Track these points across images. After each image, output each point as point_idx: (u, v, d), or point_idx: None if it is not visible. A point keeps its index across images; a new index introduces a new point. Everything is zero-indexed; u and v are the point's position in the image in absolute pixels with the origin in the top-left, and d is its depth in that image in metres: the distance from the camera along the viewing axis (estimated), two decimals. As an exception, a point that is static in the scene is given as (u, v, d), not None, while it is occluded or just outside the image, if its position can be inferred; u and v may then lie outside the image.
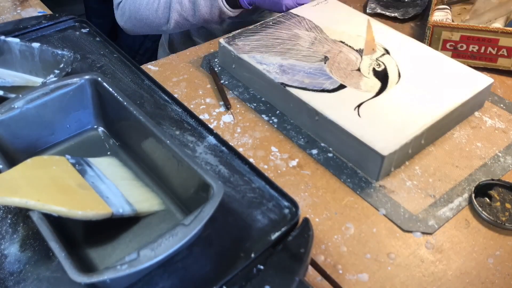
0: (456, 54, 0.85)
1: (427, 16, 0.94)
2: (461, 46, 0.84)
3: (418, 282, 0.54)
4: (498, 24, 0.87)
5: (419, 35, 0.94)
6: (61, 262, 0.43)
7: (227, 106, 0.74)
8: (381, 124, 0.66)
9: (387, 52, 0.80)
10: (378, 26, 0.85)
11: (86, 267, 0.50)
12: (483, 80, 0.74)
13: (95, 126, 0.65)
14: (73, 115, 0.63)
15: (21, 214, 0.54)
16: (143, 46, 1.67)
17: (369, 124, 0.66)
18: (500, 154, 0.69)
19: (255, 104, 0.76)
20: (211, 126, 0.69)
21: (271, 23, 0.86)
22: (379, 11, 1.00)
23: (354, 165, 0.67)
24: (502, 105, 0.78)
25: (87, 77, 0.62)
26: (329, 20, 0.86)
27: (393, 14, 0.99)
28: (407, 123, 0.66)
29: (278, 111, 0.75)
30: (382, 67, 0.76)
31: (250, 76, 0.78)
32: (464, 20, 0.92)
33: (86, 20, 0.86)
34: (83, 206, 0.49)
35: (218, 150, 0.62)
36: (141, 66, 0.78)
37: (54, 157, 0.55)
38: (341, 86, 0.72)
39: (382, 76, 0.75)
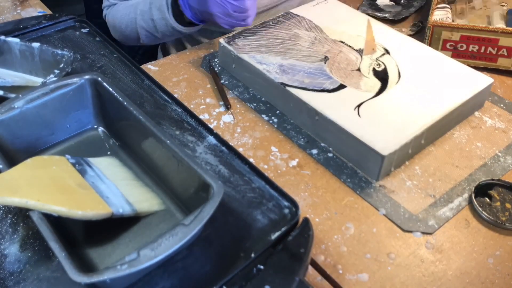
0: (456, 54, 0.85)
1: (422, 17, 0.95)
2: (461, 46, 0.84)
3: (418, 282, 0.54)
4: (499, 24, 0.87)
5: (419, 35, 0.94)
6: (61, 262, 0.43)
7: (227, 106, 0.74)
8: (381, 124, 0.66)
9: (387, 52, 0.80)
10: (378, 26, 0.85)
11: (86, 267, 0.50)
12: (483, 80, 0.74)
13: (95, 126, 0.65)
14: (73, 115, 0.63)
15: (21, 214, 0.54)
16: (143, 46, 1.67)
17: (369, 124, 0.66)
18: (500, 154, 0.69)
19: (255, 104, 0.76)
20: (211, 126, 0.69)
21: (271, 23, 0.86)
22: (370, 12, 1.00)
23: (354, 165, 0.67)
24: (502, 105, 0.78)
25: (87, 77, 0.62)
26: (329, 20, 0.86)
27: (383, 15, 0.98)
28: (407, 123, 0.66)
29: (278, 111, 0.75)
30: (382, 67, 0.76)
31: (250, 76, 0.78)
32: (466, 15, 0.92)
33: (86, 20, 0.86)
34: (83, 206, 0.49)
35: (218, 150, 0.62)
36: (141, 66, 0.78)
37: (54, 157, 0.55)
38: (341, 86, 0.72)
39: (382, 76, 0.75)
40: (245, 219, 0.54)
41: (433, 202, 0.62)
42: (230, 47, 0.79)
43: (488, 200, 0.63)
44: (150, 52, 1.69)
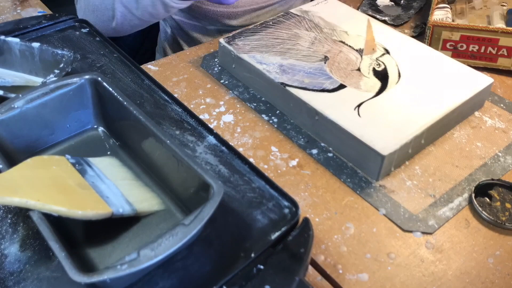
0: (456, 54, 0.85)
1: (423, 17, 0.95)
2: (461, 46, 0.84)
3: (418, 282, 0.54)
4: (499, 24, 0.87)
5: (418, 35, 0.94)
6: (61, 262, 0.43)
7: None
8: (381, 124, 0.66)
9: (387, 52, 0.80)
10: (378, 26, 0.85)
11: (86, 267, 0.50)
12: (483, 80, 0.74)
13: (95, 126, 0.65)
14: (73, 115, 0.63)
15: (21, 214, 0.54)
16: (143, 46, 1.67)
17: (369, 124, 0.66)
18: (500, 154, 0.69)
19: (255, 104, 0.76)
20: (211, 126, 0.69)
21: (271, 23, 0.86)
22: (370, 13, 0.99)
23: (354, 165, 0.67)
24: (502, 105, 0.78)
25: (87, 77, 0.62)
26: (329, 20, 0.86)
27: (383, 18, 0.98)
28: (407, 123, 0.66)
29: (278, 111, 0.75)
30: (382, 67, 0.76)
31: (250, 76, 0.78)
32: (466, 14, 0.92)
33: (86, 20, 0.86)
34: (83, 206, 0.49)
35: (218, 150, 0.62)
36: (141, 66, 0.77)
37: (54, 157, 0.55)
38: (341, 86, 0.72)
39: (382, 76, 0.75)
40: (245, 219, 0.54)
41: (433, 202, 0.62)
42: (230, 47, 0.79)
43: (488, 200, 0.63)
44: (150, 52, 1.69)
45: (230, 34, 0.83)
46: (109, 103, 0.63)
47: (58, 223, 0.48)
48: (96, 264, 0.50)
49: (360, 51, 0.80)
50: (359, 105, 0.69)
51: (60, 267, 0.46)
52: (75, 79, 0.62)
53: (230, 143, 0.62)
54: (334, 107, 0.68)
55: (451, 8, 0.93)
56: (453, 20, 0.90)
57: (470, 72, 0.76)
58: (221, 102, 0.76)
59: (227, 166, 0.60)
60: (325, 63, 0.77)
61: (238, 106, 0.76)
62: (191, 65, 0.84)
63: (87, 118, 0.64)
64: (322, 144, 0.70)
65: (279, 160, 0.67)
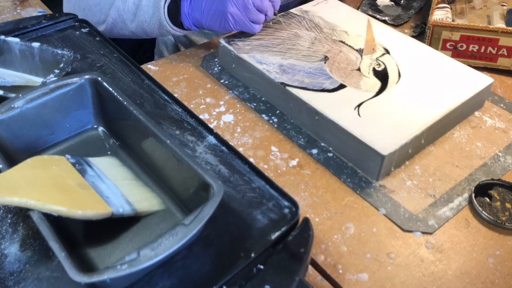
0: (456, 53, 0.85)
1: (423, 17, 0.95)
2: (461, 46, 0.84)
3: (418, 282, 0.54)
4: (499, 24, 0.87)
5: (418, 35, 0.94)
6: (61, 262, 0.43)
7: None
8: (381, 124, 0.66)
9: (387, 51, 0.80)
10: (378, 26, 0.85)
11: (86, 266, 0.50)
12: (483, 80, 0.74)
13: (95, 126, 0.65)
14: (73, 115, 0.63)
15: (21, 214, 0.54)
16: (143, 46, 1.67)
17: (369, 123, 0.66)
18: (500, 154, 0.69)
19: (255, 104, 0.76)
20: (211, 126, 0.69)
21: (271, 23, 0.86)
22: (370, 13, 0.99)
23: (354, 164, 0.67)
24: (502, 105, 0.78)
25: (87, 76, 0.62)
26: (329, 19, 0.86)
27: (383, 18, 0.98)
28: (407, 123, 0.66)
29: (278, 111, 0.75)
30: (382, 66, 0.76)
31: (250, 76, 0.78)
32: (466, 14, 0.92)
33: (86, 20, 0.86)
34: (83, 206, 0.49)
35: (218, 149, 0.62)
36: (141, 66, 0.77)
37: (54, 157, 0.55)
38: (341, 86, 0.72)
39: (382, 76, 0.75)
40: (245, 219, 0.54)
41: (433, 202, 0.62)
42: (230, 47, 0.79)
43: (488, 200, 0.63)
44: (150, 52, 1.69)
45: (230, 34, 0.83)
46: (109, 103, 0.63)
47: (58, 223, 0.48)
48: (96, 264, 0.50)
49: (360, 51, 0.80)
50: (359, 105, 0.69)
51: (60, 267, 0.46)
52: (75, 79, 0.62)
53: (230, 143, 0.62)
54: (334, 107, 0.68)
55: (451, 8, 0.93)
56: (453, 20, 0.90)
57: (470, 72, 0.76)
58: (221, 102, 0.76)
59: (227, 166, 0.60)
60: (325, 63, 0.77)
61: (238, 106, 0.76)
62: (191, 65, 0.84)
63: (87, 118, 0.64)
64: (322, 144, 0.70)
65: (279, 160, 0.67)
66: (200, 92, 0.78)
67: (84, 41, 0.81)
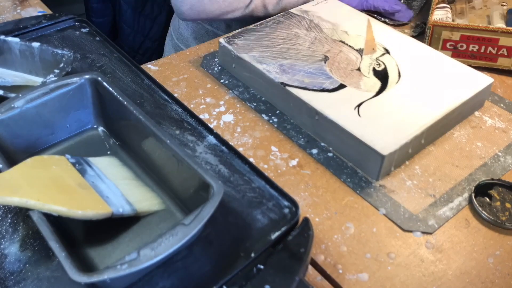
0: (456, 53, 0.85)
1: (423, 17, 0.94)
2: (461, 46, 0.84)
3: (418, 282, 0.54)
4: (499, 24, 0.87)
5: (418, 35, 0.94)
6: (61, 262, 0.43)
7: None
8: (381, 124, 0.66)
9: (387, 51, 0.80)
10: (378, 26, 0.85)
11: (86, 266, 0.50)
12: (483, 80, 0.74)
13: (95, 126, 0.65)
14: (73, 115, 0.63)
15: (21, 214, 0.54)
16: (143, 45, 1.67)
17: (369, 123, 0.66)
18: (500, 154, 0.69)
19: (255, 104, 0.76)
20: (211, 126, 0.69)
21: (271, 22, 0.86)
22: (370, 13, 0.99)
23: (354, 164, 0.67)
24: (502, 105, 0.78)
25: (87, 76, 0.62)
26: (329, 19, 0.86)
27: (383, 19, 0.98)
28: (407, 122, 0.66)
29: (278, 111, 0.75)
30: (382, 66, 0.76)
31: (250, 76, 0.78)
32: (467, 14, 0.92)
33: (86, 20, 0.86)
34: (83, 206, 0.49)
35: (218, 149, 0.62)
36: (141, 66, 0.77)
37: (54, 157, 0.55)
38: (341, 86, 0.72)
39: (382, 76, 0.75)
40: (245, 219, 0.54)
41: (433, 201, 0.62)
42: (230, 47, 0.79)
43: (488, 199, 0.63)
44: (150, 52, 1.69)
45: (230, 34, 0.83)
46: (109, 103, 0.63)
47: (58, 223, 0.48)
48: (96, 264, 0.50)
49: (360, 51, 0.80)
50: (359, 105, 0.69)
51: (60, 267, 0.46)
52: (75, 79, 0.62)
53: (230, 143, 0.62)
54: (334, 107, 0.68)
55: (451, 8, 0.93)
56: (453, 20, 0.90)
57: (470, 72, 0.76)
58: (221, 102, 0.76)
59: (227, 166, 0.60)
60: (325, 63, 0.77)
61: (238, 106, 0.76)
62: (191, 65, 0.84)
63: (87, 118, 0.64)
64: (322, 144, 0.70)
65: (279, 160, 0.67)
66: (200, 92, 0.78)
67: (84, 41, 0.81)
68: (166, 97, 0.70)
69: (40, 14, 0.93)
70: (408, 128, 0.65)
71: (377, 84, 0.73)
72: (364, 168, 0.66)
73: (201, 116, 0.72)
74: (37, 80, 0.71)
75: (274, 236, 0.52)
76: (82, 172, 0.54)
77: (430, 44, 0.85)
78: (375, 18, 0.95)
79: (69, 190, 0.50)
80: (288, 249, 0.51)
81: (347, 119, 0.66)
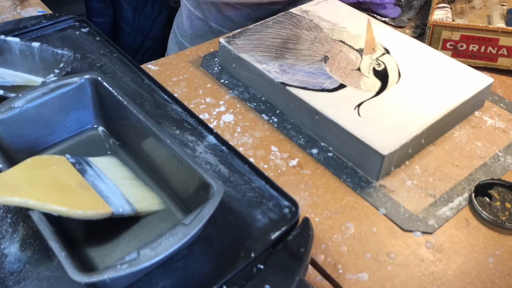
0: (456, 53, 0.85)
1: (423, 17, 0.94)
2: (461, 46, 0.84)
3: (418, 282, 0.54)
4: (499, 24, 0.87)
5: (418, 36, 0.94)
6: (61, 262, 0.43)
7: None
8: (381, 124, 0.66)
9: (387, 51, 0.80)
10: (378, 26, 0.85)
11: (86, 266, 0.50)
12: (483, 80, 0.74)
13: (95, 126, 0.65)
14: (73, 115, 0.63)
15: (21, 214, 0.54)
16: (143, 45, 1.67)
17: (369, 123, 0.66)
18: (500, 154, 0.69)
19: (255, 104, 0.76)
20: (211, 126, 0.69)
21: (271, 22, 0.86)
22: (370, 13, 0.99)
23: (354, 164, 0.67)
24: (502, 105, 0.78)
25: (87, 76, 0.62)
26: (329, 19, 0.86)
27: (383, 18, 0.98)
28: (407, 122, 0.66)
29: (278, 111, 0.75)
30: (382, 66, 0.76)
31: (250, 76, 0.78)
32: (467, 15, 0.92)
33: (86, 20, 0.86)
34: (83, 206, 0.49)
35: (218, 149, 0.62)
36: (141, 66, 0.78)
37: (54, 157, 0.55)
38: (341, 86, 0.72)
39: (382, 76, 0.75)
40: (245, 219, 0.54)
41: (433, 201, 0.62)
42: (230, 47, 0.79)
43: (488, 199, 0.63)
44: (151, 52, 1.69)
45: (230, 34, 0.83)
46: (109, 103, 0.63)
47: (58, 222, 0.48)
48: (96, 264, 0.50)
49: (360, 51, 0.80)
50: (359, 105, 0.69)
51: (60, 267, 0.46)
52: (75, 79, 0.62)
53: (230, 143, 0.62)
54: (334, 107, 0.68)
55: (451, 8, 0.93)
56: (453, 20, 0.90)
57: (470, 72, 0.76)
58: (221, 102, 0.76)
59: (227, 165, 0.60)
60: (325, 62, 0.77)
61: (238, 105, 0.76)
62: (191, 65, 0.84)
63: (87, 117, 0.64)
64: (322, 144, 0.70)
65: (279, 159, 0.67)
66: (200, 92, 0.78)
67: (84, 41, 0.81)
68: (166, 97, 0.70)
69: (40, 14, 0.93)
70: (408, 128, 0.65)
71: (377, 84, 0.73)
72: (364, 168, 0.66)
73: (201, 116, 0.72)
74: (37, 80, 0.71)
75: (274, 236, 0.52)
76: (82, 172, 0.54)
77: (430, 44, 0.85)
78: (375, 18, 0.95)
79: (69, 190, 0.50)
80: (288, 249, 0.51)
81: (347, 119, 0.66)
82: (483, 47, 0.83)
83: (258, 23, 0.86)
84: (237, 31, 0.83)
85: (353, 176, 0.66)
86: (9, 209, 0.55)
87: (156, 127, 0.57)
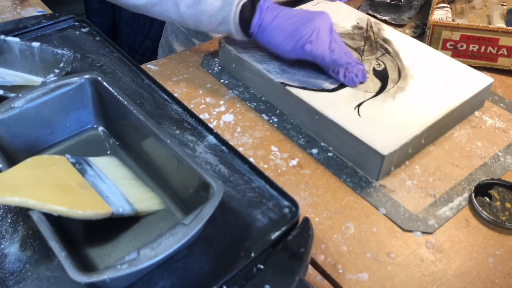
0: (456, 53, 0.85)
1: (423, 17, 0.94)
2: (461, 46, 0.84)
3: (418, 282, 0.54)
4: (499, 24, 0.87)
5: (418, 36, 0.94)
6: (61, 262, 0.43)
7: None
8: (381, 124, 0.66)
9: (387, 51, 0.80)
10: (379, 26, 0.85)
11: (86, 266, 0.50)
12: (483, 80, 0.74)
13: (95, 126, 0.65)
14: (73, 115, 0.63)
15: (21, 214, 0.54)
16: (143, 45, 1.67)
17: (369, 123, 0.66)
18: (500, 154, 0.69)
19: (255, 104, 0.76)
20: (211, 126, 0.69)
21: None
22: (370, 12, 0.99)
23: (354, 164, 0.67)
24: (502, 105, 0.78)
25: (87, 76, 0.62)
26: (329, 19, 0.86)
27: (384, 17, 0.98)
28: (407, 122, 0.66)
29: (278, 111, 0.75)
30: (382, 66, 0.76)
31: (250, 76, 0.78)
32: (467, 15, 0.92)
33: (86, 20, 0.86)
34: (83, 206, 0.49)
35: (218, 149, 0.62)
36: (141, 66, 0.78)
37: (54, 157, 0.55)
38: (341, 86, 0.72)
39: (382, 76, 0.75)
40: (245, 219, 0.54)
41: (433, 201, 0.62)
42: (230, 47, 0.79)
43: (488, 199, 0.63)
44: (150, 52, 1.69)
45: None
46: (109, 103, 0.63)
47: (58, 222, 0.48)
48: (96, 264, 0.50)
49: (360, 51, 0.80)
50: (359, 105, 0.69)
51: (60, 267, 0.46)
52: (75, 79, 0.62)
53: (230, 143, 0.62)
54: (334, 107, 0.68)
55: (451, 8, 0.93)
56: (453, 20, 0.90)
57: (470, 72, 0.76)
58: (221, 102, 0.76)
59: (227, 165, 0.60)
60: (325, 62, 0.77)
61: (238, 105, 0.76)
62: (191, 65, 0.84)
63: (87, 117, 0.64)
64: (322, 144, 0.70)
65: (279, 159, 0.67)
66: (200, 92, 0.78)
67: (84, 41, 0.81)
68: (166, 97, 0.70)
69: (40, 14, 0.93)
70: (408, 128, 0.65)
71: (377, 84, 0.73)
72: (364, 168, 0.66)
73: (201, 116, 0.72)
74: (37, 80, 0.71)
75: (274, 236, 0.52)
76: (82, 172, 0.54)
77: (430, 44, 0.85)
78: (375, 18, 0.95)
79: (69, 190, 0.50)
80: (288, 249, 0.51)
81: (347, 119, 0.66)
82: (483, 47, 0.83)
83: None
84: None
85: (353, 176, 0.66)
86: (9, 209, 0.55)
87: (156, 127, 0.57)
